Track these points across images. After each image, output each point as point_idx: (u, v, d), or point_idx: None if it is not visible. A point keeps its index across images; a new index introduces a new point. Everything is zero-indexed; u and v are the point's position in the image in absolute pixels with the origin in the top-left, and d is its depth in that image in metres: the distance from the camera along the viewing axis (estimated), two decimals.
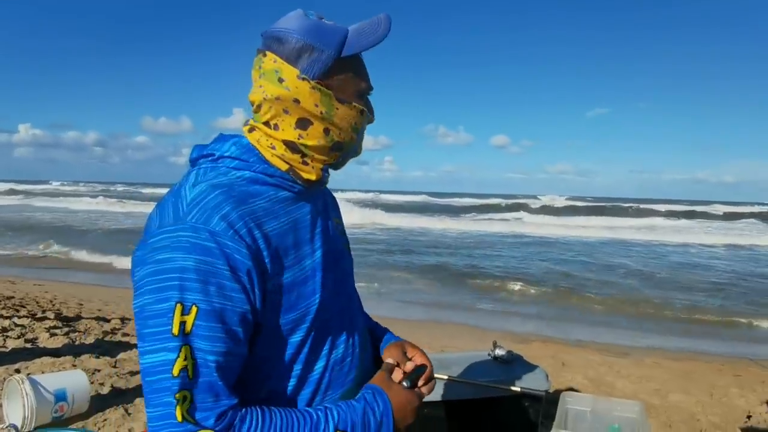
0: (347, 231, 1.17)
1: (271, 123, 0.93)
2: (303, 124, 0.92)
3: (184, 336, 0.77)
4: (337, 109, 0.92)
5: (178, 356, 0.76)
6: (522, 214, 33.34)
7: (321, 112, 0.92)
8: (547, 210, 35.36)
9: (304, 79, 0.90)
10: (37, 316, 5.49)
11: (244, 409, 0.82)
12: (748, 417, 3.95)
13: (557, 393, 2.23)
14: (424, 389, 1.04)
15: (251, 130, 0.96)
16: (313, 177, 0.95)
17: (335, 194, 1.19)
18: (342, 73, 0.92)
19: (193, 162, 0.95)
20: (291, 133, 0.92)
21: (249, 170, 0.90)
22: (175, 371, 0.76)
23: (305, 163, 0.94)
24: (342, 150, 0.97)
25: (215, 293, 0.79)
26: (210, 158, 0.93)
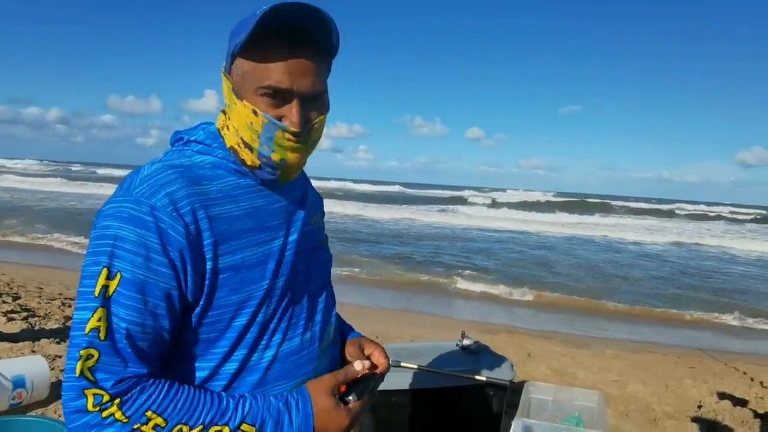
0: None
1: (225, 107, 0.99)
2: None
3: (104, 299, 0.80)
4: (235, 104, 0.92)
5: (92, 316, 0.79)
6: (495, 210, 33.68)
7: (226, 104, 0.96)
8: (523, 205, 35.83)
9: (222, 73, 0.95)
10: None
11: (150, 380, 0.82)
12: (699, 406, 4.14)
13: (521, 383, 2.29)
14: (356, 404, 0.96)
15: (224, 113, 1.00)
16: (248, 161, 0.94)
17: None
18: (240, 69, 0.91)
19: (172, 145, 0.99)
20: (225, 120, 0.98)
21: (211, 155, 0.94)
22: (87, 330, 0.79)
23: (239, 146, 0.95)
24: (253, 150, 0.92)
25: (141, 265, 0.81)
26: (181, 142, 0.97)
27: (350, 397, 0.94)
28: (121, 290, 0.80)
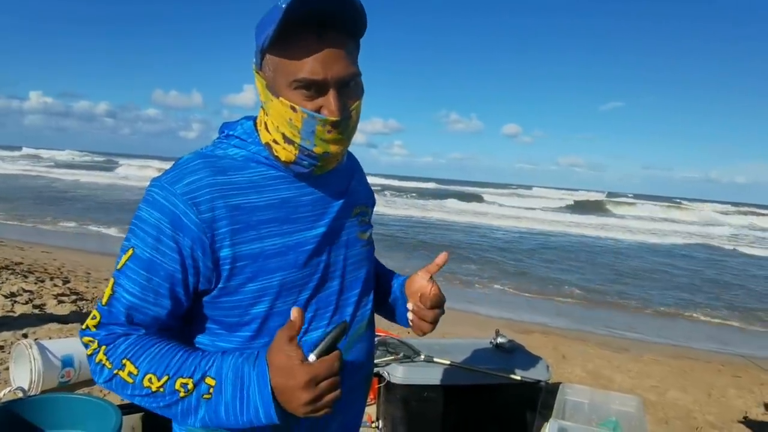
0: None
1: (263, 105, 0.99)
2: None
3: (117, 271, 0.90)
4: (271, 101, 0.91)
5: (108, 285, 0.91)
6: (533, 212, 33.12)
7: (263, 102, 0.96)
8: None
9: (254, 69, 0.94)
10: (45, 283, 5.56)
11: (135, 335, 0.91)
12: (745, 417, 3.98)
13: (556, 384, 2.26)
14: (314, 360, 0.82)
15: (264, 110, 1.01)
16: (282, 157, 0.95)
17: None
18: (271, 65, 0.90)
19: (217, 137, 1.03)
20: (263, 116, 0.98)
21: (245, 150, 0.97)
22: (104, 301, 0.91)
23: (276, 143, 0.94)
24: (294, 145, 0.91)
25: (151, 245, 0.88)
26: (224, 135, 1.01)
27: (311, 355, 0.82)
28: (130, 264, 0.89)
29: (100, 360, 0.88)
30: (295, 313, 0.82)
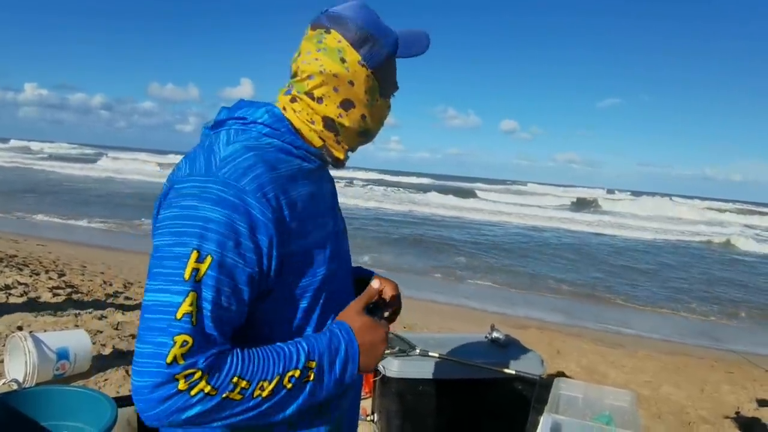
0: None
1: (316, 95, 0.96)
2: (346, 105, 0.97)
3: (195, 283, 0.78)
4: (377, 100, 1.00)
5: (184, 301, 0.77)
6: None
7: (367, 99, 0.98)
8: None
9: (363, 65, 0.96)
10: (40, 276, 5.54)
11: (228, 353, 0.82)
12: (737, 412, 4.01)
13: (551, 378, 2.27)
14: (384, 321, 1.05)
15: (293, 99, 0.98)
16: (341, 156, 1.01)
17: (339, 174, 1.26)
18: (388, 70, 1.00)
19: (221, 123, 0.96)
20: (333, 111, 0.96)
21: (278, 139, 0.93)
22: (179, 315, 0.77)
23: (338, 143, 1.00)
24: (366, 137, 1.04)
25: (231, 249, 0.80)
26: (241, 121, 0.94)
27: (377, 316, 1.00)
28: (211, 273, 0.79)
29: (200, 390, 0.77)
30: (376, 283, 0.99)
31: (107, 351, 3.48)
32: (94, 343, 3.43)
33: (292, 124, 0.96)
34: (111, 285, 5.69)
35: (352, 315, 0.94)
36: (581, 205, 33.40)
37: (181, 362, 0.76)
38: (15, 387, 1.91)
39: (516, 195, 37.79)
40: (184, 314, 0.77)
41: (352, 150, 1.06)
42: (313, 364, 0.87)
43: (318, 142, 0.98)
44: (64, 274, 5.91)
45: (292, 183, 0.90)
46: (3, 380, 2.31)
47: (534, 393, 2.43)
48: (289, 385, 0.84)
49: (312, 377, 0.86)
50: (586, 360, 5.01)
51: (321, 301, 0.95)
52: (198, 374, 0.77)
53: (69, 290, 5.06)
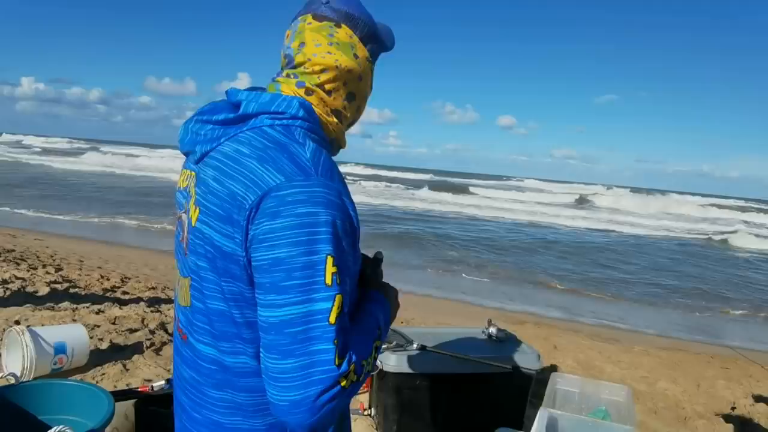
0: None
1: (326, 88, 0.96)
2: (350, 97, 1.00)
3: (337, 286, 0.80)
4: (367, 93, 1.04)
5: (333, 305, 0.79)
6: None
7: (366, 93, 1.03)
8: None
9: (370, 61, 1.01)
10: (37, 270, 5.54)
11: None
12: (732, 408, 4.03)
13: (547, 373, 2.28)
14: None
15: (308, 92, 0.95)
16: (344, 146, 1.04)
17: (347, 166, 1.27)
18: (369, 70, 1.02)
19: (254, 116, 0.91)
20: (340, 103, 0.99)
21: (316, 135, 0.93)
22: (332, 319, 0.79)
23: (343, 133, 1.03)
24: (351, 126, 1.07)
25: (347, 249, 0.84)
26: (280, 116, 0.90)
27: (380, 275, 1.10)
28: (342, 276, 0.82)
29: (352, 381, 0.82)
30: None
31: (104, 345, 3.48)
32: (91, 338, 3.42)
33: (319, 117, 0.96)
34: (108, 280, 5.69)
35: (380, 283, 1.07)
36: (580, 201, 33.42)
37: (344, 363, 0.79)
38: (12, 381, 1.91)
39: (514, 191, 37.79)
40: (336, 317, 0.79)
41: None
42: (378, 328, 0.96)
43: (331, 134, 0.99)
44: (61, 269, 5.90)
45: None
46: (1, 374, 2.31)
47: (531, 388, 2.44)
48: (375, 354, 0.93)
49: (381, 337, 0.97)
50: (582, 355, 5.03)
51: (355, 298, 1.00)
52: (352, 367, 0.81)
53: (66, 285, 5.06)
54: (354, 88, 0.99)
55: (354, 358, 0.82)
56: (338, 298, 0.79)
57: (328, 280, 0.79)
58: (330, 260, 0.79)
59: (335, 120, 0.98)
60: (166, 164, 31.29)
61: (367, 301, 0.99)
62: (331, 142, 0.99)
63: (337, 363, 0.78)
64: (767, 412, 3.89)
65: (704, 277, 11.24)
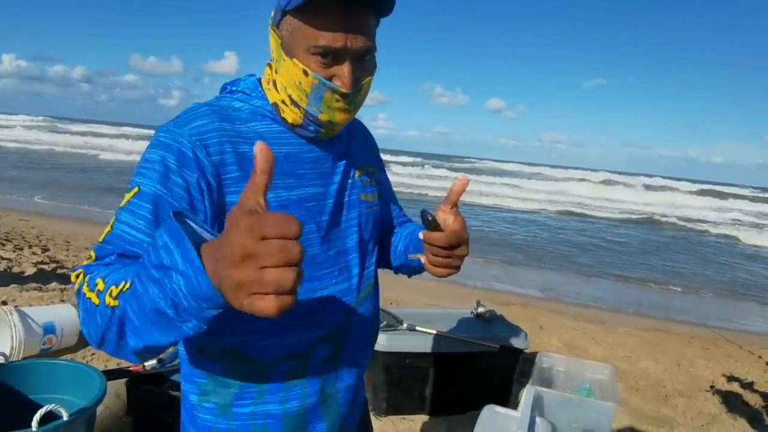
0: None
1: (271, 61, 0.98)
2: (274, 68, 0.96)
3: (120, 209, 0.85)
4: (284, 60, 0.91)
5: (110, 223, 0.84)
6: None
7: (273, 59, 0.95)
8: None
9: (270, 24, 0.94)
10: (23, 251, 5.48)
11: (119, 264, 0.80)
12: (711, 386, 4.16)
13: (534, 353, 2.33)
14: None
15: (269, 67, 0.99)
16: (290, 119, 0.95)
17: None
18: (290, 26, 0.88)
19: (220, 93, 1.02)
20: (271, 74, 0.97)
21: (248, 104, 0.96)
22: (103, 233, 0.84)
23: (284, 103, 0.94)
24: (300, 108, 0.92)
25: (157, 180, 0.84)
26: (226, 91, 1.00)
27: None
28: (134, 200, 0.84)
29: (80, 287, 0.77)
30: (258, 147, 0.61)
31: None
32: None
33: (265, 92, 0.98)
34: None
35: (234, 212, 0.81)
36: (569, 185, 33.62)
37: (82, 265, 0.81)
38: (1, 360, 1.91)
39: (505, 175, 37.89)
40: (104, 234, 0.84)
41: (323, 128, 0.95)
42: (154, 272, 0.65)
43: (270, 100, 0.97)
44: (48, 249, 5.85)
45: (252, 139, 0.92)
46: None
47: (518, 366, 2.50)
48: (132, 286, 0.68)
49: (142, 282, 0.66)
50: (567, 336, 5.12)
51: None
52: (81, 275, 0.78)
53: (54, 265, 5.02)
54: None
55: (94, 269, 0.77)
56: (112, 219, 0.84)
57: (122, 204, 0.85)
58: (135, 189, 0.84)
59: (274, 91, 0.96)
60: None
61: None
62: (275, 111, 0.97)
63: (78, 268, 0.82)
64: (743, 391, 4.02)
65: (689, 259, 11.44)
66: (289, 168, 0.95)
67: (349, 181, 1.06)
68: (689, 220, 20.57)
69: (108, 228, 0.84)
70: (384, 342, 2.40)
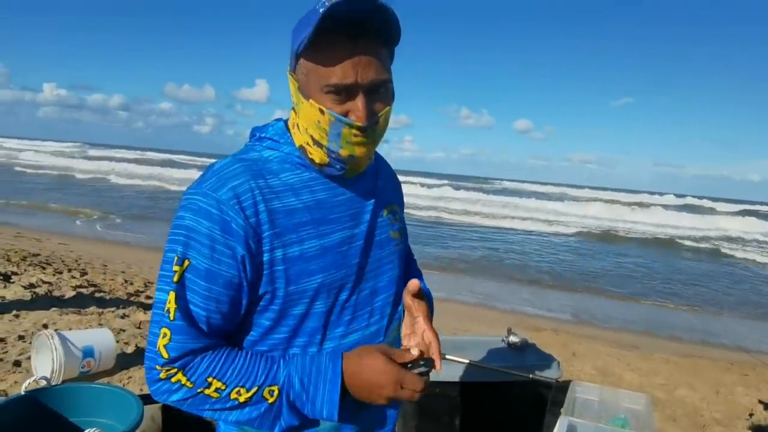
0: None
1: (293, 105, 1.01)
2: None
3: (176, 284, 0.89)
4: (302, 102, 0.94)
5: (167, 298, 0.89)
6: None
7: (294, 103, 0.98)
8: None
9: (288, 70, 0.97)
10: (63, 275, 5.67)
11: (211, 351, 0.92)
12: (750, 415, 4.00)
13: (567, 382, 2.29)
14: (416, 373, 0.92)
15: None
16: (317, 159, 0.97)
17: None
18: (304, 68, 0.92)
19: (249, 141, 1.04)
20: (295, 118, 0.99)
21: (279, 151, 0.98)
22: (164, 309, 0.89)
23: (309, 145, 0.97)
24: (322, 147, 0.94)
25: (207, 254, 0.89)
26: (255, 138, 1.03)
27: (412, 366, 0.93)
28: (188, 275, 0.89)
29: (178, 380, 0.89)
30: (416, 352, 0.94)
31: (130, 349, 3.56)
32: (117, 342, 3.51)
33: (292, 137, 1.00)
34: (132, 284, 5.80)
35: (376, 349, 0.94)
36: (599, 206, 33.01)
37: (164, 353, 0.89)
38: (44, 383, 1.98)
39: (533, 197, 37.49)
40: (167, 310, 0.89)
41: (346, 166, 0.97)
42: (296, 383, 0.92)
43: (297, 143, 0.99)
44: (86, 273, 6.03)
45: (283, 192, 0.94)
46: (32, 377, 2.39)
47: (550, 396, 2.46)
48: (270, 399, 0.91)
49: (294, 396, 0.92)
50: (601, 362, 5.01)
51: (319, 310, 0.97)
52: (174, 369, 0.89)
53: (92, 289, 5.17)
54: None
55: (193, 363, 0.90)
56: (172, 294, 0.89)
57: (176, 279, 0.89)
58: (176, 259, 0.89)
59: (299, 134, 0.98)
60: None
61: (297, 357, 0.95)
62: (301, 153, 0.99)
63: (160, 350, 0.89)
64: None
65: (728, 282, 11.07)
66: (322, 215, 0.97)
67: (379, 219, 1.07)
68: (718, 239, 19.96)
69: (173, 305, 0.89)
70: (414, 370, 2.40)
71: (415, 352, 0.94)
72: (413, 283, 1.02)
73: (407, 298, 1.04)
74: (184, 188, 0.99)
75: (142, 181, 25.09)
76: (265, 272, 0.92)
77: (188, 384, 0.89)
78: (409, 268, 1.27)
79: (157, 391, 0.91)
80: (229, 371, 0.90)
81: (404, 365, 0.92)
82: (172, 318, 0.88)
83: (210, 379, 0.89)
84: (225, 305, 0.91)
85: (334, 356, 0.93)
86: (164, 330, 0.89)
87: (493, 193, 36.46)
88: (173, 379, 0.89)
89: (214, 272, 0.89)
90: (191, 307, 0.89)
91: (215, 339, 0.93)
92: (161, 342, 0.89)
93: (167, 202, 17.02)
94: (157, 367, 0.89)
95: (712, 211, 33.78)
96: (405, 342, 1.02)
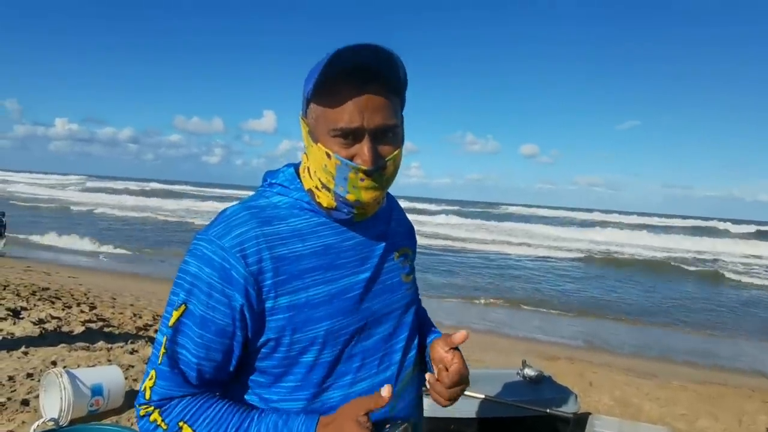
0: None
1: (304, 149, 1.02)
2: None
3: (168, 328, 0.91)
4: (312, 146, 0.94)
5: (162, 342, 0.91)
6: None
7: (304, 146, 0.99)
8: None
9: (300, 115, 0.99)
10: (72, 309, 5.66)
11: (190, 396, 0.92)
12: None
13: (585, 414, 2.23)
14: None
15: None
16: (324, 203, 0.96)
17: None
18: (314, 113, 0.93)
19: (262, 185, 1.05)
20: (306, 162, 1.00)
21: (288, 197, 0.98)
22: (158, 352, 0.92)
23: (317, 188, 0.96)
24: (330, 191, 0.94)
25: (203, 301, 0.89)
26: (267, 183, 1.03)
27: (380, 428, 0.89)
28: (185, 321, 0.90)
29: (155, 420, 0.91)
30: (385, 391, 0.87)
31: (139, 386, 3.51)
32: (126, 378, 3.47)
33: (302, 181, 1.00)
34: (140, 318, 5.77)
35: (349, 410, 0.89)
36: (607, 230, 32.81)
37: (146, 394, 0.92)
38: (52, 425, 1.95)
39: (541, 221, 37.36)
40: (159, 353, 0.91)
41: (357, 210, 0.96)
42: None
43: (306, 187, 0.99)
44: (95, 307, 6.02)
45: (289, 239, 0.93)
46: (41, 419, 2.36)
47: (568, 430, 2.39)
48: None
49: None
50: (619, 392, 4.88)
51: (327, 358, 0.94)
52: (151, 408, 0.91)
53: (101, 324, 5.15)
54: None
55: (169, 405, 0.91)
56: (165, 338, 0.91)
57: (171, 323, 0.90)
58: (182, 308, 0.90)
59: (308, 175, 0.98)
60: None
61: (272, 415, 0.92)
62: (309, 197, 0.98)
63: (144, 390, 0.92)
64: None
65: (732, 305, 10.88)
66: (329, 260, 0.95)
67: (390, 263, 1.05)
68: (730, 261, 19.69)
69: (163, 349, 0.91)
70: (427, 407, 2.34)
71: (385, 393, 0.87)
72: (461, 335, 1.00)
73: (441, 351, 1.01)
74: (191, 220, 0.99)
75: (151, 213, 25.32)
76: (267, 320, 0.91)
77: (162, 425, 0.90)
78: (419, 314, 1.23)
79: (141, 428, 0.93)
80: (201, 418, 0.90)
81: (381, 429, 0.89)
82: (159, 362, 0.91)
83: (181, 424, 0.90)
84: (217, 353, 0.91)
85: (309, 421, 0.90)
86: (152, 372, 0.91)
87: (500, 219, 36.37)
88: (151, 418, 0.91)
89: (208, 319, 0.89)
90: (183, 351, 0.90)
91: (202, 388, 0.93)
92: (147, 383, 0.91)
93: (176, 234, 17.11)
94: (139, 405, 0.93)
95: (726, 234, 33.43)
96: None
